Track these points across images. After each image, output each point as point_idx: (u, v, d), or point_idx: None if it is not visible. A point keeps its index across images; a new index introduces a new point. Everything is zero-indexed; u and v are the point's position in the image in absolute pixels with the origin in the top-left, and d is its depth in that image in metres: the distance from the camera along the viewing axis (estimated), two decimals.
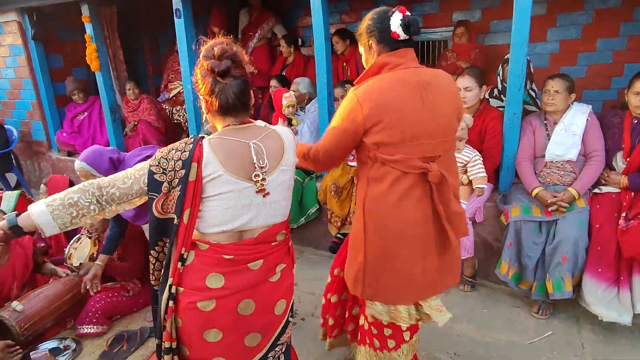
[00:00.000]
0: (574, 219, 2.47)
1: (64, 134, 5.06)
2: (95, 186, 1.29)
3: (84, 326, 2.55)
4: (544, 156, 2.68)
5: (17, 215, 1.29)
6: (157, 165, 1.31)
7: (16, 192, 3.47)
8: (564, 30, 3.88)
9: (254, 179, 1.35)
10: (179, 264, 1.34)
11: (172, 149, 1.33)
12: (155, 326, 1.45)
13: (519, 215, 2.59)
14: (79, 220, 1.29)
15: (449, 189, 1.55)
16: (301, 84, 4.01)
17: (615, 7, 3.64)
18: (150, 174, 1.31)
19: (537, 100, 3.18)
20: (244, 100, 1.38)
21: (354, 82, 1.67)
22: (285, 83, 4.22)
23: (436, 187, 1.55)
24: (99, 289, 2.64)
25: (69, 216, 1.27)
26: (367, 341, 1.82)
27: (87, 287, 2.59)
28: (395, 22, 1.53)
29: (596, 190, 2.59)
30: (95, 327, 2.57)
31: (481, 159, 2.77)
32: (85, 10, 4.24)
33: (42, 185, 3.33)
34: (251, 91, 1.43)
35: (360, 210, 1.63)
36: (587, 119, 2.59)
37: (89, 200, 1.28)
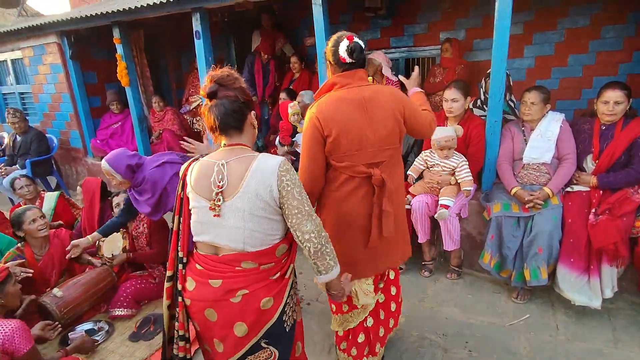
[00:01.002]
0: (549, 214, 2.46)
1: (98, 141, 5.09)
2: None
3: (115, 309, 2.58)
4: (521, 159, 2.67)
5: None
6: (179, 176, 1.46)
7: (56, 193, 3.50)
8: (539, 48, 3.86)
9: (212, 197, 1.29)
10: (180, 265, 1.37)
11: (183, 168, 1.43)
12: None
13: (499, 211, 2.58)
14: None
15: (386, 191, 1.64)
16: (305, 95, 4.01)
17: (585, 27, 3.63)
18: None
19: (516, 109, 3.18)
20: (229, 121, 1.31)
21: (314, 96, 1.72)
22: (293, 96, 4.23)
23: (378, 189, 1.65)
24: (75, 255, 2.50)
25: None
26: (333, 308, 1.96)
27: (68, 249, 2.45)
28: (343, 48, 1.59)
29: (568, 189, 2.58)
30: (125, 309, 2.59)
31: (467, 164, 2.75)
32: (116, 32, 4.27)
33: (77, 186, 3.36)
34: (247, 112, 1.35)
35: (317, 205, 1.77)
36: (561, 126, 2.58)
37: None
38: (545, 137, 2.61)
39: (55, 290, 2.41)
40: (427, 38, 4.42)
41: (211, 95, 1.31)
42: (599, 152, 2.48)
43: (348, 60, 1.60)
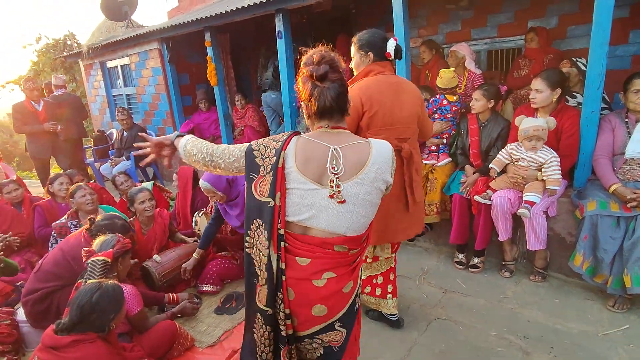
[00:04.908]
0: None
1: None
2: (210, 152, 1.40)
3: (203, 285, 2.84)
4: (623, 154, 2.41)
5: (177, 136, 1.56)
6: (257, 150, 1.32)
7: (150, 183, 3.95)
8: None
9: (329, 184, 1.24)
10: (282, 243, 1.30)
11: (271, 139, 1.34)
12: (247, 292, 1.40)
13: (595, 209, 2.35)
14: (193, 163, 1.47)
15: (414, 163, 2.00)
16: None
17: None
18: (252, 157, 1.32)
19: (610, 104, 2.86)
20: (340, 104, 1.29)
21: (349, 81, 1.72)
22: None
23: (406, 161, 1.96)
24: (189, 276, 2.85)
25: (187, 158, 1.49)
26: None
27: (185, 275, 2.82)
28: (391, 46, 1.92)
29: None
30: (211, 286, 2.84)
31: (558, 160, 2.54)
32: (207, 36, 4.68)
33: (174, 174, 3.76)
34: (348, 97, 1.34)
35: None
36: None
37: (202, 158, 1.42)
38: None
39: (155, 256, 2.78)
40: (513, 27, 4.15)
41: (321, 77, 1.26)
42: None
43: (392, 57, 1.92)
